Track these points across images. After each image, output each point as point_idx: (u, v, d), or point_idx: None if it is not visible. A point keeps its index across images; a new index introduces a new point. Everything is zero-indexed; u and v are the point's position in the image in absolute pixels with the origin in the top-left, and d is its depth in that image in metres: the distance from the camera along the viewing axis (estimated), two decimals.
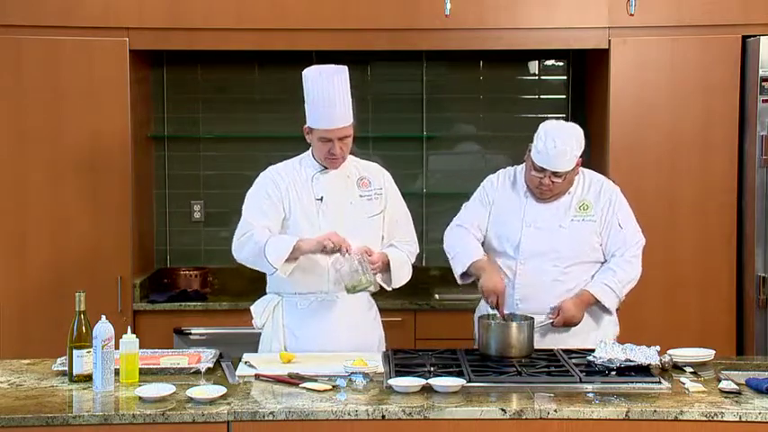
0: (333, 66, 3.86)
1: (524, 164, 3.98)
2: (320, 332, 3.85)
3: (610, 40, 5.02)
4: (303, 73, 3.85)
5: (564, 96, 5.71)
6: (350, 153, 3.95)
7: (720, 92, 5.00)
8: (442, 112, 5.70)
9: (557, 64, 5.72)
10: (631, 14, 4.97)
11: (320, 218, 3.85)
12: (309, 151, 3.95)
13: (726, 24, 4.98)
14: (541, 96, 5.72)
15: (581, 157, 3.89)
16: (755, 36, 4.92)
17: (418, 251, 4.09)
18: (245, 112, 5.69)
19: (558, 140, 3.79)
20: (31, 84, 4.99)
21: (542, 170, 3.85)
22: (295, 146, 5.56)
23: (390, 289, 3.98)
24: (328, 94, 3.77)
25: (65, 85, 5.00)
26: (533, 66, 5.73)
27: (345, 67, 3.85)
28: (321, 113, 3.79)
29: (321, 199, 3.87)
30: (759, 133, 4.89)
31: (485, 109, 5.72)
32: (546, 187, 3.88)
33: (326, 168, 3.90)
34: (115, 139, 5.03)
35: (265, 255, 3.74)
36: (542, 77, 5.73)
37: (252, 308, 3.99)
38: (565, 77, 5.71)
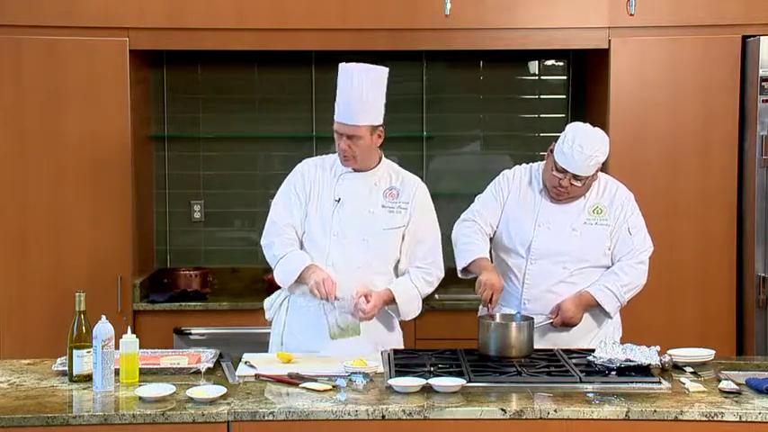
0: (370, 66, 3.78)
1: (544, 161, 3.96)
2: (316, 335, 3.81)
3: (610, 40, 5.02)
4: (340, 65, 3.82)
5: (564, 96, 5.71)
6: (390, 160, 3.93)
7: (720, 92, 5.00)
8: (442, 112, 5.70)
9: (557, 64, 5.72)
10: (631, 14, 4.97)
11: (334, 220, 3.80)
12: None
13: (726, 24, 4.98)
14: (541, 96, 5.72)
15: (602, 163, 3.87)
16: (755, 36, 4.92)
17: (442, 276, 3.92)
18: (245, 112, 5.69)
19: (585, 145, 3.76)
20: (31, 84, 4.99)
21: (563, 171, 3.82)
22: (295, 146, 5.60)
23: (400, 320, 3.93)
24: (349, 90, 3.72)
25: (65, 85, 5.00)
26: (533, 66, 5.73)
27: (382, 69, 3.77)
28: (340, 107, 3.75)
29: (339, 200, 3.81)
30: (759, 133, 4.89)
31: (485, 109, 5.72)
32: (563, 189, 3.86)
33: (354, 170, 3.83)
34: (115, 139, 5.04)
35: (274, 272, 3.83)
36: (542, 77, 5.73)
37: (265, 301, 4.00)
38: (565, 77, 5.72)
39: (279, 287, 3.95)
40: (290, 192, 3.87)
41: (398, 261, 3.88)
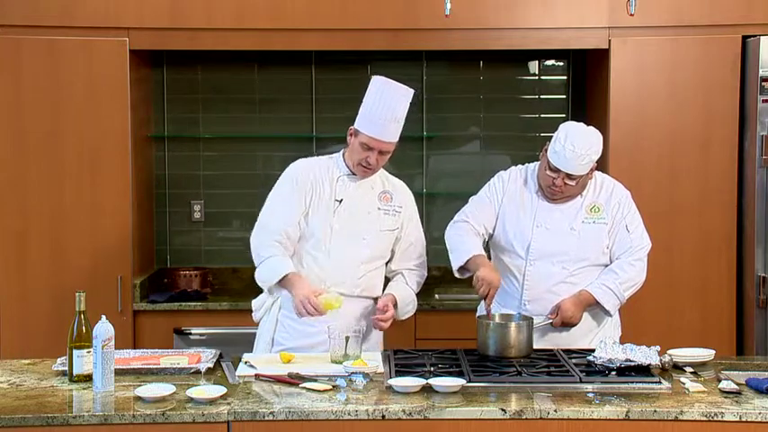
0: (403, 86, 3.87)
1: (538, 162, 3.96)
2: (313, 332, 3.84)
3: (610, 40, 5.02)
4: (374, 78, 3.88)
5: (564, 96, 5.71)
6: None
7: (720, 92, 5.00)
8: (442, 112, 5.70)
9: (557, 64, 5.72)
10: (631, 14, 4.97)
11: (335, 219, 3.87)
12: (341, 153, 3.96)
13: (726, 24, 4.99)
14: (541, 96, 5.72)
15: (596, 162, 3.87)
16: (755, 36, 4.92)
17: (426, 275, 4.11)
18: (245, 112, 5.69)
19: (578, 144, 3.75)
20: (31, 84, 4.99)
21: (556, 171, 3.82)
22: (295, 146, 5.59)
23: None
24: (391, 108, 3.80)
25: (65, 85, 5.00)
26: (533, 66, 5.73)
27: (413, 91, 3.89)
28: (376, 122, 3.81)
29: (341, 201, 3.88)
30: (759, 133, 4.89)
31: (485, 109, 5.72)
32: (557, 188, 3.86)
33: (354, 174, 3.91)
34: (115, 139, 5.04)
35: (257, 272, 3.90)
36: (542, 77, 5.74)
37: (253, 302, 4.06)
38: (565, 77, 5.72)
39: None
40: (287, 195, 3.90)
41: (389, 259, 4.02)
